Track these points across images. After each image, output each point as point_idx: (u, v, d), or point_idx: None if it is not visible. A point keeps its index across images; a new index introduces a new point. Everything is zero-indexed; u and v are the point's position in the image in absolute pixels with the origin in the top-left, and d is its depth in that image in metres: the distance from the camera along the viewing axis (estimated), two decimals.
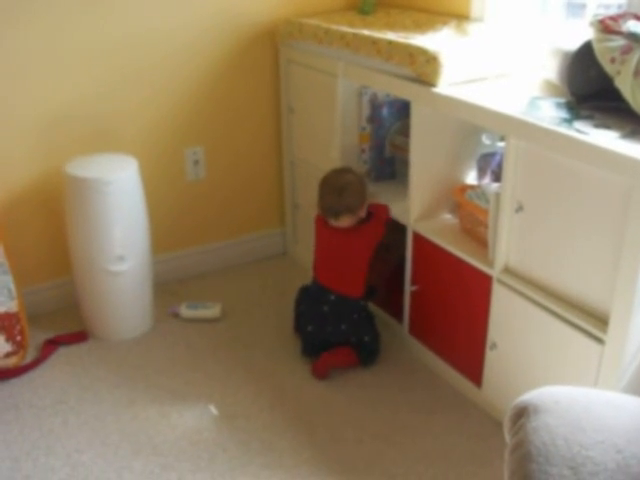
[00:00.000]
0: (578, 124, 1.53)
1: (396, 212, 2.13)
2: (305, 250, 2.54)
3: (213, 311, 2.40)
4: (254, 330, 2.35)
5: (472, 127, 1.96)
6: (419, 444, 1.87)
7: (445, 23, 2.17)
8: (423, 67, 1.85)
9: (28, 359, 2.18)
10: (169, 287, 2.59)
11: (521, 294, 1.73)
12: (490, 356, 1.89)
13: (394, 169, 2.38)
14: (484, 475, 1.76)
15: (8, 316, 2.09)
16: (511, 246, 1.75)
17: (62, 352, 2.25)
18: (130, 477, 1.76)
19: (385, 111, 2.28)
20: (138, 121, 2.39)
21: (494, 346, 1.86)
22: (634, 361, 1.57)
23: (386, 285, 2.33)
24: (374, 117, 2.29)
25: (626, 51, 1.50)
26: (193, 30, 2.37)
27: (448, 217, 2.09)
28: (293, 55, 2.43)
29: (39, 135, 2.25)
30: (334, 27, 2.20)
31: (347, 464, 1.81)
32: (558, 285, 1.65)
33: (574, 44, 1.67)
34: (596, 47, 1.56)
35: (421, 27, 2.13)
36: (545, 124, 1.54)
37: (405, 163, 2.11)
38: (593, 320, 1.57)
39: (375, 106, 2.28)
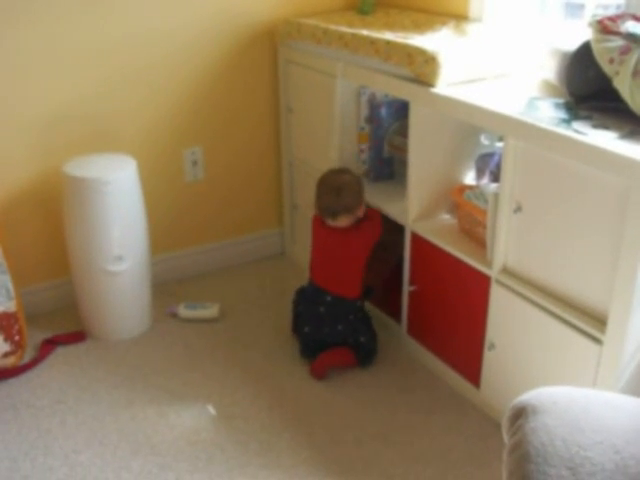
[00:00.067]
0: (577, 124, 1.53)
1: (394, 212, 2.13)
2: (303, 250, 2.54)
3: (211, 311, 2.40)
4: (252, 330, 2.35)
5: (471, 127, 1.96)
6: (417, 444, 1.87)
7: (444, 23, 2.17)
8: (422, 67, 1.85)
9: (26, 359, 2.18)
10: (167, 287, 2.58)
11: (519, 294, 1.73)
12: (488, 356, 1.89)
13: (393, 169, 2.38)
14: (482, 476, 1.76)
15: (6, 316, 2.09)
16: (509, 246, 1.75)
17: (60, 352, 2.24)
18: (128, 477, 1.76)
19: (384, 111, 2.28)
20: (137, 121, 2.39)
21: (492, 346, 1.86)
22: (632, 361, 1.57)
23: (384, 285, 2.33)
24: (373, 117, 2.29)
25: (625, 51, 1.50)
26: (192, 30, 2.37)
27: (446, 217, 2.09)
28: (292, 55, 2.43)
29: (38, 135, 2.24)
30: (333, 27, 2.20)
31: (345, 464, 1.81)
32: (556, 285, 1.65)
33: (573, 44, 1.67)
34: (595, 47, 1.56)
35: (420, 27, 2.13)
36: (544, 124, 1.54)
37: (404, 163, 2.10)
38: (591, 320, 1.57)
39: (374, 106, 2.28)
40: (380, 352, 2.19)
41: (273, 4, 2.48)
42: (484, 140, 2.03)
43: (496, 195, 1.73)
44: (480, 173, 2.02)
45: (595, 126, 1.52)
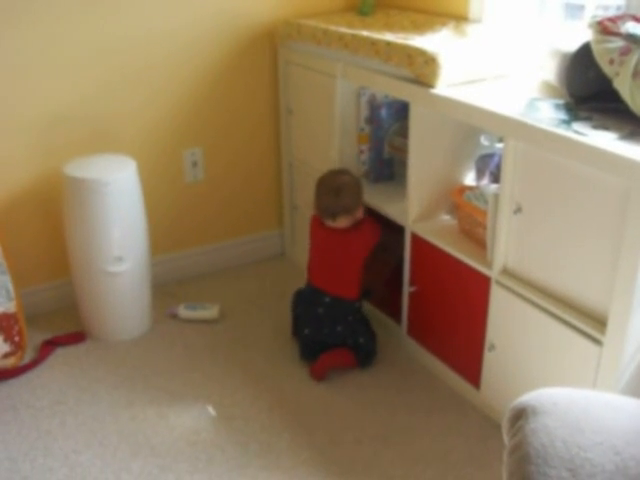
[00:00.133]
0: (577, 125, 1.53)
1: (394, 213, 2.13)
2: (303, 251, 2.54)
3: (211, 312, 2.40)
4: (252, 331, 2.35)
5: (471, 128, 1.96)
6: (417, 445, 1.87)
7: (444, 24, 2.17)
8: (422, 68, 1.85)
9: (26, 360, 2.18)
10: (167, 288, 2.58)
11: (519, 295, 1.73)
12: (488, 357, 1.89)
13: (393, 170, 2.37)
14: (483, 477, 1.76)
15: (6, 317, 2.09)
16: (509, 247, 1.75)
17: (60, 353, 2.24)
18: (128, 478, 1.76)
19: (384, 112, 2.28)
20: (137, 122, 2.39)
21: (492, 347, 1.86)
22: (632, 362, 1.57)
23: (385, 286, 2.33)
24: (373, 118, 2.29)
25: (625, 52, 1.50)
26: (192, 31, 2.37)
27: (446, 218, 2.09)
28: (292, 56, 2.43)
29: (38, 135, 2.24)
30: (333, 28, 2.20)
31: (345, 465, 1.80)
32: (557, 286, 1.65)
33: (573, 45, 1.67)
34: (595, 48, 1.56)
35: (420, 28, 2.13)
36: (544, 125, 1.54)
37: (404, 164, 2.10)
38: (591, 322, 1.57)
39: (374, 107, 2.28)
40: (380, 353, 2.19)
41: (273, 5, 2.48)
42: (484, 141, 2.03)
43: (496, 196, 1.73)
44: (480, 174, 2.02)
45: (595, 127, 1.52)
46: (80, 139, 2.31)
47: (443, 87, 1.84)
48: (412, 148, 1.98)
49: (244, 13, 2.44)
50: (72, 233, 2.18)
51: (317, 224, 2.16)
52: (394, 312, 2.27)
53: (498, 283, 1.79)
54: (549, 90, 1.80)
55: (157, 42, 2.33)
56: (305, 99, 2.43)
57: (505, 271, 1.78)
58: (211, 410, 2.00)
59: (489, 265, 1.81)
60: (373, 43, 2.01)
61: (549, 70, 1.77)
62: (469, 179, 2.09)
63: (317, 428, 1.93)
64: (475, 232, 1.90)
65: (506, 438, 1.23)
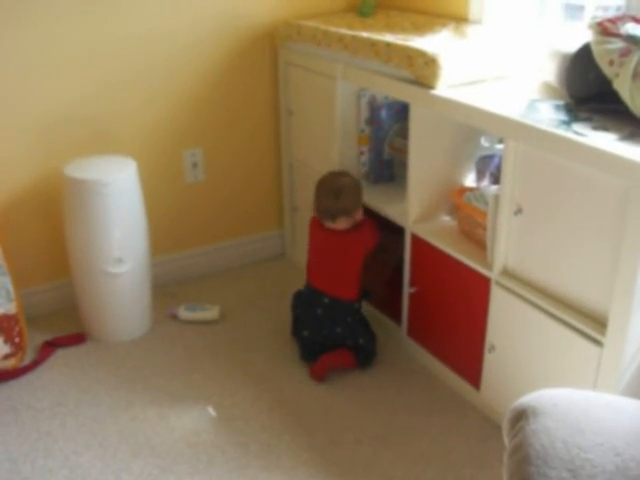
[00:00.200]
0: (577, 126, 1.53)
1: (394, 214, 2.13)
2: (303, 252, 2.53)
3: (211, 313, 2.40)
4: (252, 332, 2.35)
5: (471, 129, 1.96)
6: (417, 446, 1.87)
7: (444, 25, 2.17)
8: (422, 69, 1.85)
9: (26, 361, 2.18)
10: (167, 289, 2.58)
11: (520, 296, 1.73)
12: (489, 358, 1.89)
13: (393, 171, 2.38)
14: (483, 478, 1.76)
15: (7, 318, 2.09)
16: (510, 248, 1.75)
17: (60, 354, 2.24)
18: (128, 479, 1.76)
19: (384, 113, 2.28)
20: (137, 123, 2.39)
21: (493, 348, 1.86)
22: (633, 363, 1.57)
23: (385, 287, 2.33)
24: (373, 119, 2.29)
25: (625, 53, 1.50)
26: (192, 32, 2.37)
27: (446, 219, 2.09)
28: (292, 57, 2.43)
29: (38, 136, 2.24)
30: (333, 29, 2.20)
31: (345, 466, 1.80)
32: (557, 287, 1.65)
33: (573, 46, 1.67)
34: (595, 49, 1.56)
35: (420, 29, 2.13)
36: (544, 126, 1.54)
37: (404, 165, 2.11)
38: (592, 322, 1.57)
39: (374, 108, 2.28)
40: (380, 354, 2.19)
41: (273, 6, 2.48)
42: (484, 142, 2.03)
43: (496, 197, 1.73)
44: (480, 175, 2.02)
45: (595, 128, 1.52)
46: (80, 140, 2.31)
47: (443, 88, 1.84)
48: (412, 149, 1.98)
49: (244, 14, 2.44)
50: (72, 234, 2.18)
51: (316, 225, 2.16)
52: (394, 313, 2.27)
53: (498, 284, 1.79)
54: (549, 91, 1.80)
55: (157, 42, 2.33)
56: (305, 100, 2.43)
57: (505, 272, 1.78)
58: (211, 411, 2.00)
59: (489, 266, 1.81)
60: (373, 44, 2.01)
61: (549, 71, 1.77)
62: (469, 180, 2.09)
63: (317, 429, 1.93)
64: (475, 233, 1.91)
65: (506, 439, 1.23)
